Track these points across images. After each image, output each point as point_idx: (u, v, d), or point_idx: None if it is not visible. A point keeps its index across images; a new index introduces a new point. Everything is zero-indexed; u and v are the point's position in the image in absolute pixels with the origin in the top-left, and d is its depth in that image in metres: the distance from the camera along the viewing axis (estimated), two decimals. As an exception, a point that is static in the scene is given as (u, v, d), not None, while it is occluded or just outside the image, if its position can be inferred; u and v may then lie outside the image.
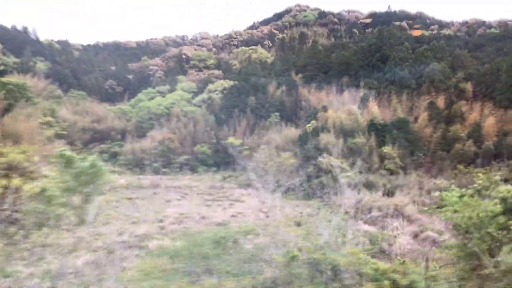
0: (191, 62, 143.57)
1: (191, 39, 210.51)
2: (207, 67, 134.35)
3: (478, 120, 70.36)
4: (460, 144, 65.88)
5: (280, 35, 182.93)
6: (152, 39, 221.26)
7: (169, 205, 49.19)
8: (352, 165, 60.03)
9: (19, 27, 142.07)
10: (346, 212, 41.32)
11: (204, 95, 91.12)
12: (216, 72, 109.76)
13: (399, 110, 72.95)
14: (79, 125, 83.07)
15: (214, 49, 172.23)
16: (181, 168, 77.93)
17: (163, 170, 74.49)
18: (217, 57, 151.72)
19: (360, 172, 59.14)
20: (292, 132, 71.20)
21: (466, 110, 74.36)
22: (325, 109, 75.49)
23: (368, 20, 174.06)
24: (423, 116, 71.00)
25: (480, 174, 22.77)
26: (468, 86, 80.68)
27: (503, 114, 71.34)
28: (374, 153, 63.66)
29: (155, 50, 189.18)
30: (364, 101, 76.40)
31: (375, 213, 43.34)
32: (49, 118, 73.54)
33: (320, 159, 58.21)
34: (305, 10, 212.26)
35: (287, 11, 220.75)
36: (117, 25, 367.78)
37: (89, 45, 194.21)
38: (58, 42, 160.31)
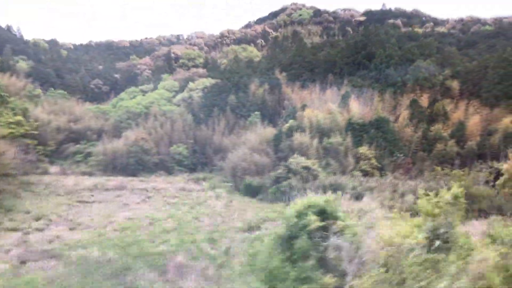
0: (180, 61, 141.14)
1: (186, 38, 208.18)
2: (196, 66, 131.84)
3: (463, 119, 67.26)
4: (441, 144, 62.84)
5: (274, 34, 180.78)
6: (146, 38, 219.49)
7: (125, 209, 46.54)
8: (327, 166, 57.31)
9: (3, 25, 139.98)
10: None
11: (185, 94, 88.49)
12: (201, 70, 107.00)
13: (379, 108, 69.88)
14: (54, 125, 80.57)
15: (206, 48, 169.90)
16: (156, 169, 75.36)
17: (136, 171, 71.90)
18: (207, 56, 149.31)
19: (334, 174, 56.38)
20: (269, 132, 68.35)
21: (451, 108, 71.31)
22: (304, 108, 72.64)
23: (363, 18, 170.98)
24: (404, 114, 67.95)
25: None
26: (455, 84, 77.58)
27: (488, 113, 68.22)
28: (349, 153, 60.78)
29: (148, 49, 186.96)
30: (345, 100, 73.47)
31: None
32: (19, 118, 71.10)
33: (291, 160, 55.38)
34: (301, 9, 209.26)
35: (283, 10, 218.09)
36: (115, 24, 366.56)
37: (81, 45, 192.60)
38: (48, 41, 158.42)
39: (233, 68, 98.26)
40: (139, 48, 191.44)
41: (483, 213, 43.65)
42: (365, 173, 57.74)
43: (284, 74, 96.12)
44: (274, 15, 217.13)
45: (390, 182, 52.31)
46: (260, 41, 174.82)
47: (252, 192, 57.13)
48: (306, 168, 54.44)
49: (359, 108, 71.08)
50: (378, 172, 59.28)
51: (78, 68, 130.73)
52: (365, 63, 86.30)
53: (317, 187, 49.16)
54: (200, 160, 77.29)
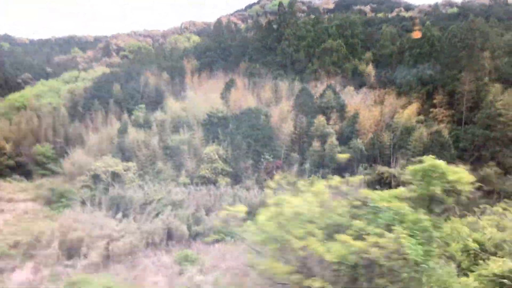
0: (121, 53, 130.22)
1: (151, 30, 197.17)
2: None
3: (359, 111, 53.26)
4: (317, 142, 49.09)
5: (243, 25, 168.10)
6: (118, 34, 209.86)
7: None
8: (154, 170, 44.48)
9: None
10: None
11: (72, 85, 76.68)
12: (117, 60, 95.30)
13: (250, 98, 56.38)
14: None
15: (161, 40, 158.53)
16: (11, 173, 63.70)
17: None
18: (154, 47, 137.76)
19: (161, 182, 43.55)
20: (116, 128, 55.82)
21: (350, 98, 57.24)
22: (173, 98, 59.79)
23: (331, 6, 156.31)
24: (283, 106, 54.27)
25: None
26: (369, 70, 63.40)
27: (393, 103, 54.07)
28: (197, 154, 47.69)
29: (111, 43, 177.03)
30: (228, 89, 60.28)
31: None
32: None
33: (97, 163, 42.70)
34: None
35: (259, 1, 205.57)
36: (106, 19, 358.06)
37: (40, 40, 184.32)
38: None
39: (138, 57, 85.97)
40: (101, 43, 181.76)
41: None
42: (205, 181, 44.54)
43: (194, 62, 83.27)
44: (250, 6, 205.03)
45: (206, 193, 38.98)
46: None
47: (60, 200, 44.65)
48: (117, 174, 41.67)
49: (238, 99, 57.84)
50: (229, 179, 45.96)
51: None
52: (273, 46, 72.66)
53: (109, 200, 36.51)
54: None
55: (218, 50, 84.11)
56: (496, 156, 46.31)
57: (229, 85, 59.41)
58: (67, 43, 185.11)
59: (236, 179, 46.72)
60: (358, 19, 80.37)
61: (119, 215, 33.58)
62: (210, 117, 50.60)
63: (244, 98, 59.07)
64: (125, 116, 60.53)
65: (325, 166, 48.68)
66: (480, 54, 56.01)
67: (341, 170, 47.12)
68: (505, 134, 46.18)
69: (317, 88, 60.99)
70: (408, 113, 50.06)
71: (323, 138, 50.08)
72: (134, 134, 48.08)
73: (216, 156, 45.30)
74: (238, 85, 64.34)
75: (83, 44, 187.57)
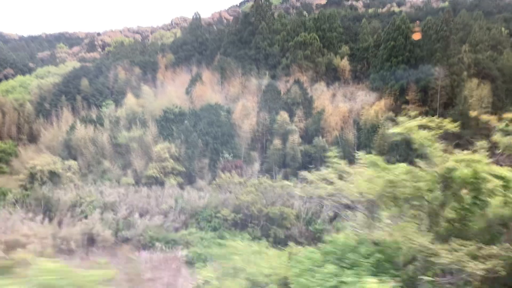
0: (106, 49, 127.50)
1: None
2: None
3: (326, 108, 50.06)
4: (279, 140, 45.97)
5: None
6: (110, 30, 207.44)
7: None
8: (99, 169, 41.55)
9: None
10: None
11: (42, 80, 73.97)
12: (91, 55, 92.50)
13: (217, 93, 53.34)
14: None
15: (150, 36, 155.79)
16: None
17: None
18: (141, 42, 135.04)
19: (107, 181, 40.67)
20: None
21: (320, 94, 54.05)
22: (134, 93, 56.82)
23: (324, 1, 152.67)
24: (246, 103, 51.10)
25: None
26: (344, 64, 60.14)
27: (364, 100, 50.84)
28: (148, 152, 44.72)
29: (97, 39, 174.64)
30: (193, 84, 57.28)
31: None
32: None
33: (35, 161, 39.83)
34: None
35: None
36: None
37: (30, 36, 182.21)
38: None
39: (117, 51, 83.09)
40: (91, 39, 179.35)
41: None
42: (153, 181, 41.53)
43: (171, 56, 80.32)
44: (244, 2, 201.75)
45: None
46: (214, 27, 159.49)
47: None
48: (55, 174, 38.77)
49: (203, 94, 54.82)
50: (181, 179, 42.95)
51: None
52: (249, 40, 69.53)
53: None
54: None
55: (195, 44, 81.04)
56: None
57: (194, 80, 56.31)
58: (57, 40, 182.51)
59: (190, 179, 43.76)
60: (338, 14, 76.79)
61: (39, 217, 30.68)
62: (166, 113, 47.57)
63: (209, 93, 56.02)
64: (86, 112, 57.59)
65: (287, 165, 45.63)
66: (457, 47, 52.67)
67: (304, 169, 43.94)
68: (478, 131, 42.76)
69: (288, 84, 57.84)
70: (376, 110, 46.76)
71: (286, 135, 46.96)
72: (82, 131, 45.05)
73: (167, 155, 42.31)
74: (208, 79, 61.37)
75: (74, 40, 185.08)
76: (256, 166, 45.38)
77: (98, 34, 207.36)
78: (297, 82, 53.18)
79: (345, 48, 63.78)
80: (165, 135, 46.08)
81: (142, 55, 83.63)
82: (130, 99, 52.36)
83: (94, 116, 49.78)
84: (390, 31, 54.80)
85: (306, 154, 45.59)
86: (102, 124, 47.62)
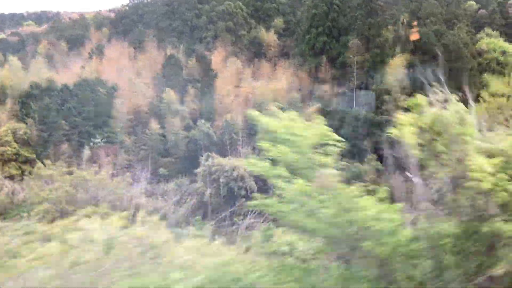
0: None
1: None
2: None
3: (225, 87, 42.07)
4: (160, 123, 38.30)
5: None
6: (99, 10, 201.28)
7: None
8: None
9: None
10: None
11: None
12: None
13: (120, 69, 45.70)
14: None
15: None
16: None
17: None
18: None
19: None
20: None
21: (232, 72, 46.04)
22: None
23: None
24: (131, 79, 43.28)
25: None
26: (270, 39, 51.90)
27: (277, 78, 42.72)
28: None
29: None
30: (90, 58, 49.82)
31: None
32: None
33: None
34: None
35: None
36: None
37: (11, 13, 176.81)
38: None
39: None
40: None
41: None
42: None
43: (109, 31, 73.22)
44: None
45: None
46: None
47: None
48: None
49: (102, 70, 47.38)
50: (30, 167, 35.72)
51: None
52: (178, 11, 61.71)
53: None
54: None
55: (134, 17, 73.55)
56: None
57: (92, 54, 48.84)
58: (39, 18, 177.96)
59: (38, 163, 36.39)
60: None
61: None
62: (33, 88, 40.20)
63: (111, 69, 48.50)
64: None
65: (168, 154, 38.10)
66: (394, 18, 44.03)
67: (185, 159, 36.75)
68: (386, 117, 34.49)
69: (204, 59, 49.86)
70: (279, 90, 38.65)
71: (174, 118, 39.34)
72: None
73: (11, 137, 35.02)
74: (119, 54, 53.91)
75: (54, 19, 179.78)
76: (134, 153, 37.96)
77: (82, 14, 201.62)
78: (203, 57, 45.25)
79: (279, 21, 55.35)
80: (24, 113, 38.80)
81: (77, 30, 76.48)
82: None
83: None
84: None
85: (192, 142, 37.93)
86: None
